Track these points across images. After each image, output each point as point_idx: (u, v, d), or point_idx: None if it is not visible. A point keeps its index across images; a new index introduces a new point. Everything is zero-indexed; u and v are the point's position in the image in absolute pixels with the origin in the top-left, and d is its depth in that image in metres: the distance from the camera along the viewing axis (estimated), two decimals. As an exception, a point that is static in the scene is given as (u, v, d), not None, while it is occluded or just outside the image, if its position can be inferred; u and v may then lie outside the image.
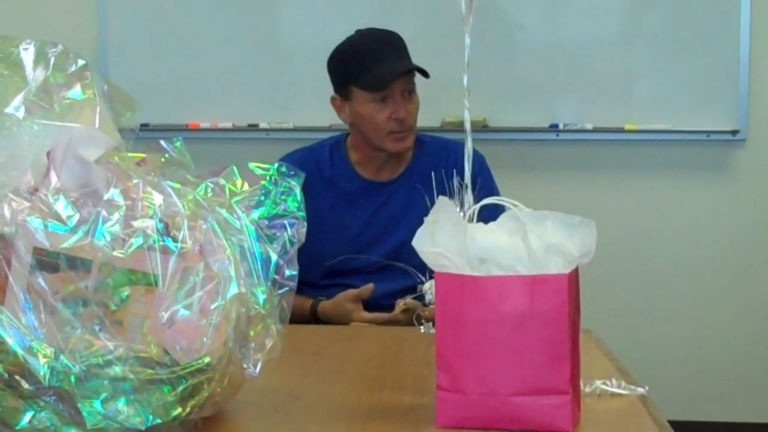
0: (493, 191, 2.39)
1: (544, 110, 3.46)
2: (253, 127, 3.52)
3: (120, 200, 1.23)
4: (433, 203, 1.35)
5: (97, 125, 1.28)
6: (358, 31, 2.47)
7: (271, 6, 3.53)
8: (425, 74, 2.39)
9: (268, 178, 1.38)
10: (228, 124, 3.53)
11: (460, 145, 2.46)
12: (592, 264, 1.32)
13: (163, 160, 1.36)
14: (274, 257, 1.34)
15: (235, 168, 1.37)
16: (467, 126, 1.42)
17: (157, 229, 1.23)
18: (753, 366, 3.52)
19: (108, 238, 1.20)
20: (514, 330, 1.28)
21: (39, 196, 1.21)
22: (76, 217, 1.20)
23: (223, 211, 1.32)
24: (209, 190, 1.34)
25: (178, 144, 1.38)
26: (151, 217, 1.23)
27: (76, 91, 1.29)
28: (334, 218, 2.43)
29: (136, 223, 1.22)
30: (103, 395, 1.18)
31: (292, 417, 1.42)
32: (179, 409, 1.22)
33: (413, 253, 1.32)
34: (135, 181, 1.25)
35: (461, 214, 1.36)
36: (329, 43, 2.48)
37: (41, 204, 1.20)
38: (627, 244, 3.50)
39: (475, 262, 1.31)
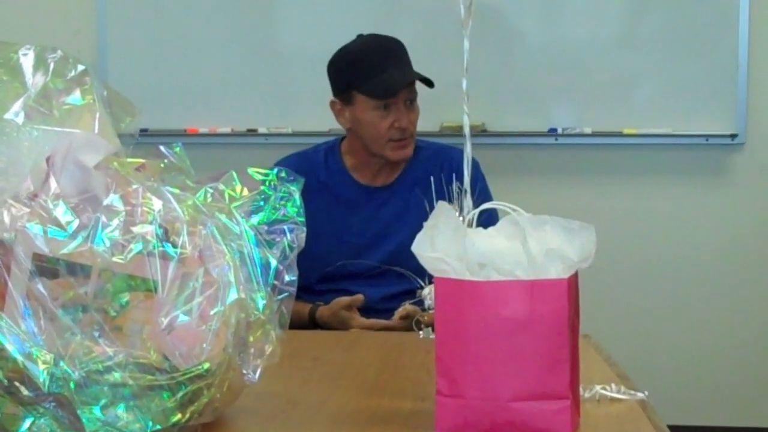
0: (488, 197, 2.39)
1: (542, 115, 3.46)
2: (252, 132, 3.53)
3: (119, 206, 1.22)
4: (429, 208, 1.35)
5: (96, 131, 1.27)
6: (360, 36, 2.47)
7: (269, 11, 3.53)
8: (430, 84, 2.40)
9: (267, 183, 1.38)
10: (227, 129, 3.54)
11: (455, 151, 2.47)
12: (592, 269, 1.31)
13: (162, 165, 1.36)
14: (273, 263, 1.34)
15: (234, 173, 1.37)
16: (466, 130, 1.41)
17: (157, 235, 1.22)
18: (753, 371, 3.52)
19: (107, 243, 1.20)
20: (513, 335, 1.27)
21: (38, 201, 1.21)
22: (76, 222, 1.20)
23: (223, 217, 1.32)
24: (209, 195, 1.34)
25: (177, 149, 1.37)
26: (151, 223, 1.23)
27: (75, 97, 1.29)
28: (330, 223, 2.43)
29: (136, 229, 1.22)
30: (103, 401, 1.18)
31: (292, 423, 1.42)
32: (179, 415, 1.22)
33: (410, 257, 1.32)
34: (134, 186, 1.25)
35: (460, 219, 1.36)
36: (328, 48, 2.48)
37: (41, 210, 1.20)
38: (626, 249, 3.50)
39: (475, 267, 1.30)
